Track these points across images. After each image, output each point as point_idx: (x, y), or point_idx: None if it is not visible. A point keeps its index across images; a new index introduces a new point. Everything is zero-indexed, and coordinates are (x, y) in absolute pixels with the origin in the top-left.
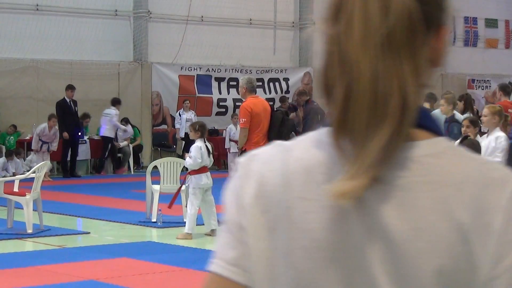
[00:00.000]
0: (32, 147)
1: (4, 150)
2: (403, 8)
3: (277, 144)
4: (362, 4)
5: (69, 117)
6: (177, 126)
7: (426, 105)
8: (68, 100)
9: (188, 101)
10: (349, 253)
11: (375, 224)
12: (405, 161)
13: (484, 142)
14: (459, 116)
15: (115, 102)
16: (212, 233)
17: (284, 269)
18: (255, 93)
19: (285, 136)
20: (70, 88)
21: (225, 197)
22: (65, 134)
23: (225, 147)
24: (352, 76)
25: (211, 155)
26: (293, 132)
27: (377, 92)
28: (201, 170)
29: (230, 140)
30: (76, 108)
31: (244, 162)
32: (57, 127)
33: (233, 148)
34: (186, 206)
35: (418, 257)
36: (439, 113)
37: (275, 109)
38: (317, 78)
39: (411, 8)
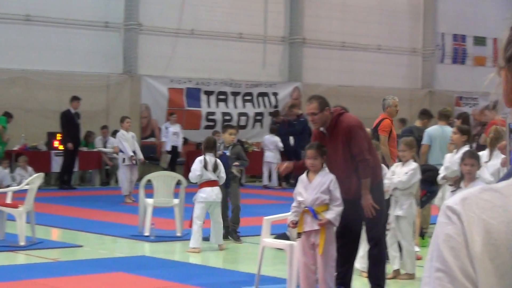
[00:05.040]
0: (125, 157)
1: None
2: None
3: (487, 188)
4: None
5: (72, 128)
6: (163, 139)
7: (418, 122)
8: (72, 111)
9: (175, 115)
10: None
11: None
12: None
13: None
14: None
15: None
16: (219, 247)
17: None
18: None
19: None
20: (76, 99)
21: (440, 244)
22: (70, 145)
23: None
24: None
25: (222, 172)
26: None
27: None
28: (205, 184)
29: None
30: (79, 120)
31: (457, 208)
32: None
33: None
34: (191, 221)
35: None
36: (434, 130)
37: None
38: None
39: None
